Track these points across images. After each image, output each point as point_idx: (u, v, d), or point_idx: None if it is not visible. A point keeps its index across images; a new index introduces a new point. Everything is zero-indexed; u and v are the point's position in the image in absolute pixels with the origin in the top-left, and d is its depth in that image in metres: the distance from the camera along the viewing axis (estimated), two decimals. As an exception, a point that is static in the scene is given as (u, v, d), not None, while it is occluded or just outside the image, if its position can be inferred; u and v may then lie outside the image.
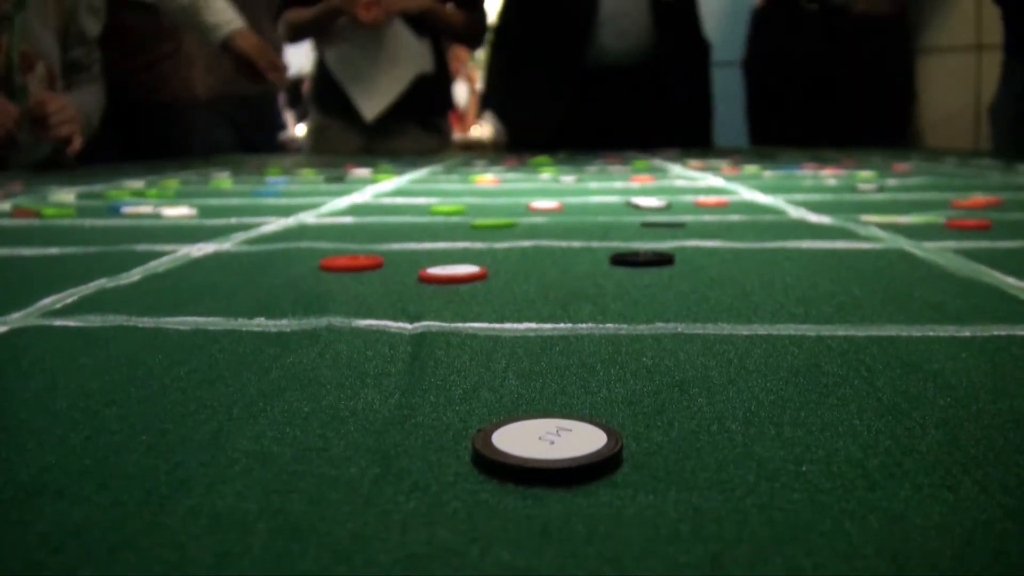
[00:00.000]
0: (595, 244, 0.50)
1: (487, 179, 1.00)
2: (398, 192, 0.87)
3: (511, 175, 1.09)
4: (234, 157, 1.62)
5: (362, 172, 1.14)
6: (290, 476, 0.18)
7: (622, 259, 0.44)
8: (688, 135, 1.81)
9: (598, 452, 0.18)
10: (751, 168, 1.13)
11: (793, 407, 0.22)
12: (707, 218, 0.62)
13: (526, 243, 0.51)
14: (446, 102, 1.82)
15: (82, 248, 0.52)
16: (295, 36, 1.64)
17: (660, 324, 0.31)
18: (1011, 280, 0.38)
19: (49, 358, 0.28)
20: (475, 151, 2.03)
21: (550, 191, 0.86)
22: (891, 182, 0.91)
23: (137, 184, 1.00)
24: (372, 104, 1.61)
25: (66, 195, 0.87)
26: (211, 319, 0.33)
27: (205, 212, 0.70)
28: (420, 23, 1.60)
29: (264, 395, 0.24)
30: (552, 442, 0.19)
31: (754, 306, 0.34)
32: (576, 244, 0.50)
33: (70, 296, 0.37)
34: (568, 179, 1.00)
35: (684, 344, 0.29)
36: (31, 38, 1.25)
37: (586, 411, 0.22)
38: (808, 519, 0.16)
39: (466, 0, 1.66)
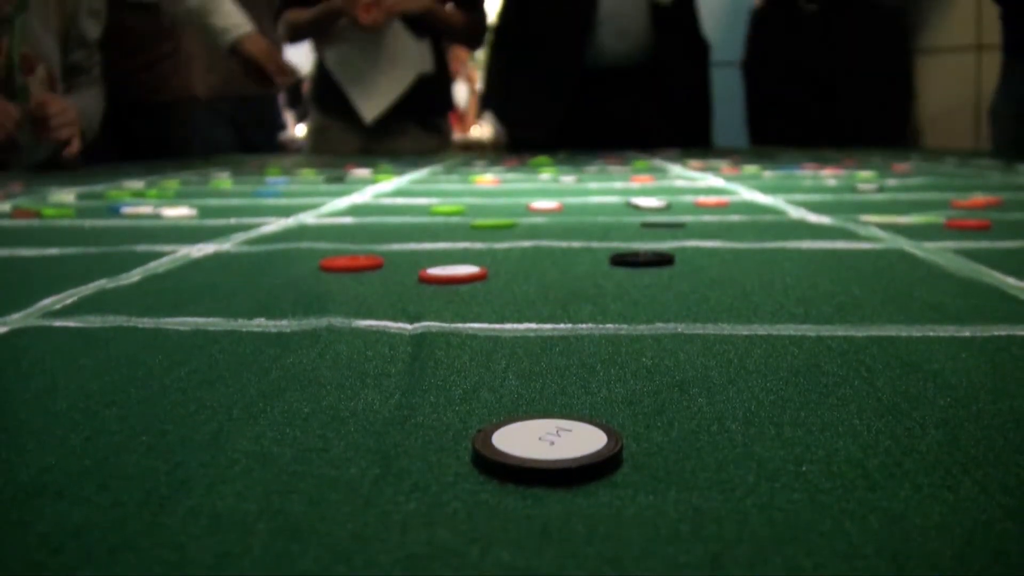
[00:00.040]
0: (595, 244, 0.50)
1: (487, 179, 1.00)
2: (398, 192, 0.87)
3: (511, 175, 1.09)
4: (234, 157, 1.62)
5: (362, 172, 1.14)
6: (290, 476, 0.18)
7: (622, 259, 0.44)
8: (688, 135, 1.81)
9: (598, 452, 0.18)
10: (751, 168, 1.13)
11: (793, 407, 0.22)
12: (707, 218, 0.62)
13: (526, 243, 0.51)
14: (446, 102, 1.82)
15: (82, 248, 0.52)
16: (295, 36, 1.64)
17: (660, 324, 0.31)
18: (1011, 280, 0.38)
19: (49, 359, 0.28)
20: (475, 151, 2.03)
21: (550, 191, 0.86)
22: (891, 182, 0.91)
23: (137, 184, 1.00)
24: (371, 106, 1.61)
25: (66, 195, 0.87)
26: (211, 320, 0.33)
27: (205, 212, 0.70)
28: (420, 24, 1.59)
29: (264, 396, 0.24)
30: (552, 442, 0.19)
31: (754, 306, 0.34)
32: (576, 244, 0.50)
33: (70, 297, 0.37)
34: (568, 179, 1.00)
35: (684, 344, 0.29)
36: (32, 40, 1.25)
37: (586, 411, 0.22)
38: (808, 519, 0.16)
39: (466, 0, 1.66)
